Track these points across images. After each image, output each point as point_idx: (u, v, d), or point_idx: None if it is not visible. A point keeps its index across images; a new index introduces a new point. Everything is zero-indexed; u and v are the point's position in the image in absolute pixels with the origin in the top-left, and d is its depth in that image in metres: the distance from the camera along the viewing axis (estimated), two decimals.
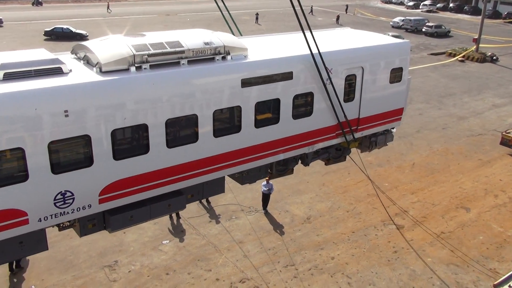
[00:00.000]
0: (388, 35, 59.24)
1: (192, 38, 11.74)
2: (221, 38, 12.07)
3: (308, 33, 12.55)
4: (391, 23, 74.20)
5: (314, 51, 12.62)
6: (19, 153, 9.35)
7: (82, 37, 54.15)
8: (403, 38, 57.50)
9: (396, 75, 15.47)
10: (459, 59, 53.52)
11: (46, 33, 54.44)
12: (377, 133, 16.19)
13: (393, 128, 16.75)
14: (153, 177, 11.31)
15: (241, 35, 15.43)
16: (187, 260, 18.43)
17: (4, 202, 9.46)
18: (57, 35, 54.08)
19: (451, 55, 55.27)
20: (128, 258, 18.34)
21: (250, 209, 22.11)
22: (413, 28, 69.95)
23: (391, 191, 24.24)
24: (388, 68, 15.17)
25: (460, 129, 33.09)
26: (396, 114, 16.15)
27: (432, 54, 56.32)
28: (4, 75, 9.52)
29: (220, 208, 21.97)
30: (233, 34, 14.55)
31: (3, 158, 9.28)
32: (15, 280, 16.79)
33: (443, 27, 68.97)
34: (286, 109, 13.05)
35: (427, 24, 69.87)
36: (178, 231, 20.20)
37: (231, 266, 18.21)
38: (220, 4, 14.74)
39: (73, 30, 54.93)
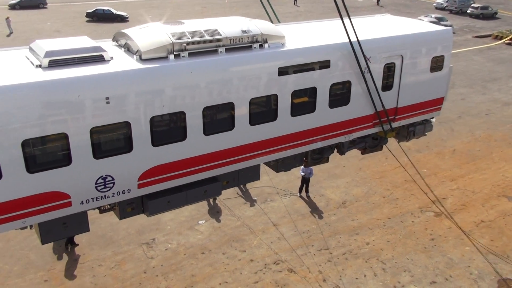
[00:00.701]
0: (431, 17, 57.49)
1: (230, 26, 11.76)
2: (258, 26, 12.02)
3: (346, 21, 12.34)
4: (434, 4, 71.82)
5: (353, 39, 12.41)
6: (63, 138, 9.67)
7: (123, 19, 54.96)
8: (447, 20, 55.88)
9: (437, 63, 15.03)
10: (506, 42, 51.43)
11: (88, 15, 55.49)
12: (416, 123, 15.83)
13: (432, 118, 16.34)
14: (190, 164, 11.50)
15: (279, 22, 15.30)
16: (222, 241, 18.73)
17: (49, 185, 9.86)
18: (99, 17, 55.04)
19: (497, 37, 53.15)
20: (165, 237, 18.79)
21: (285, 192, 22.18)
22: (458, 10, 67.50)
23: (429, 177, 23.78)
24: (429, 57, 14.75)
25: (504, 115, 31.95)
26: (435, 103, 15.73)
27: (477, 36, 54.32)
28: (49, 62, 9.79)
29: (256, 190, 22.12)
30: (271, 20, 14.45)
31: (48, 143, 9.62)
32: (64, 255, 17.52)
33: (489, 9, 66.26)
34: (322, 97, 12.92)
35: (472, 5, 67.27)
36: (214, 212, 20.51)
37: (266, 248, 18.39)
38: None
39: (114, 11, 55.74)
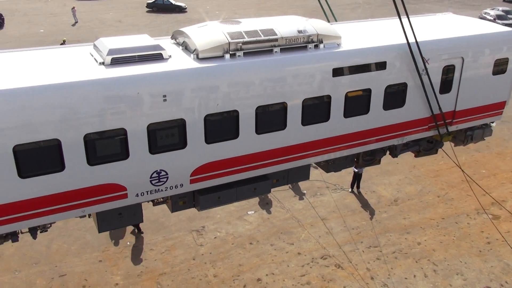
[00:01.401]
0: (498, 9, 54.62)
1: (286, 26, 11.75)
2: (314, 25, 11.92)
3: (405, 20, 11.98)
4: None
5: (411, 40, 12.03)
6: (122, 133, 10.08)
7: (181, 10, 55.98)
8: None
9: (500, 66, 14.30)
10: None
11: (148, 5, 56.93)
12: (474, 127, 15.17)
13: (492, 122, 15.60)
14: (241, 162, 11.71)
15: (336, 20, 15.07)
16: (271, 232, 18.82)
17: (108, 177, 10.35)
18: (158, 7, 56.33)
19: None
20: (215, 225, 19.11)
21: (335, 186, 21.96)
22: None
23: (488, 178, 22.79)
24: (492, 59, 14.05)
25: None
26: (496, 107, 14.98)
27: None
28: (111, 60, 10.21)
29: (306, 183, 22.03)
30: (328, 19, 14.26)
31: (108, 137, 10.06)
32: (117, 238, 18.23)
33: None
34: (377, 99, 12.66)
35: None
36: (263, 203, 20.62)
37: (313, 242, 18.32)
38: None
39: (173, 2, 56.85)
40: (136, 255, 17.33)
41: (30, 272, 16.26)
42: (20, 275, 16.10)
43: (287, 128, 11.88)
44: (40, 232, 11.27)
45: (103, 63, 10.23)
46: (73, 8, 50.27)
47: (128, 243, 17.91)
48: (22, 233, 11.01)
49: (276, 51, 11.44)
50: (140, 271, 16.61)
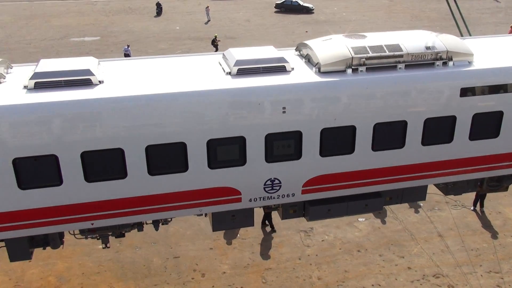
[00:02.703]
0: None
1: (413, 42, 11.39)
2: (444, 41, 11.35)
3: None
4: None
5: None
6: (241, 141, 10.61)
7: (308, 11, 56.26)
8: None
9: None
10: None
11: (277, 6, 58.08)
12: None
13: None
14: (355, 177, 11.65)
15: (470, 34, 14.06)
16: (381, 242, 18.20)
17: (225, 181, 10.97)
18: (286, 8, 57.21)
19: None
20: (323, 228, 18.98)
21: (456, 202, 20.54)
22: None
23: None
24: None
25: None
26: None
27: None
28: (238, 70, 10.78)
29: None
30: (460, 32, 13.38)
31: (227, 143, 10.62)
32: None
33: None
34: (509, 122, 11.67)
35: None
36: (376, 212, 20.00)
37: (426, 258, 17.35)
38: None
39: (301, 3, 57.33)
40: (245, 248, 17.86)
41: (149, 250, 17.58)
42: (140, 252, 17.48)
43: (406, 147, 11.54)
44: (162, 224, 12.34)
45: (229, 73, 10.83)
46: (207, 7, 53.09)
47: (238, 235, 18.52)
48: (146, 223, 12.05)
49: (400, 67, 11.14)
50: (247, 263, 17.10)
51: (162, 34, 47.00)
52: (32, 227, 10.54)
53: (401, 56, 11.13)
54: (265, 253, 17.61)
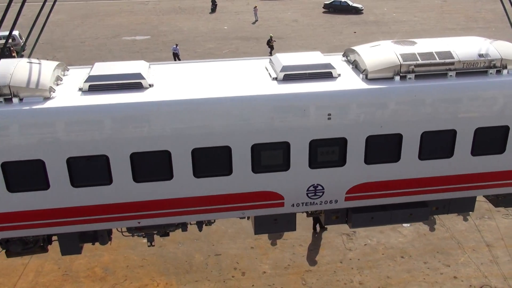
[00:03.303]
0: None
1: (465, 49, 11.06)
2: (499, 49, 10.97)
3: None
4: None
5: None
6: (285, 146, 10.63)
7: (357, 11, 55.49)
8: None
9: None
10: None
11: (325, 6, 57.60)
12: None
13: None
14: (400, 185, 11.44)
15: None
16: (426, 249, 17.72)
17: (268, 185, 11.04)
18: (335, 8, 56.66)
19: None
20: (366, 232, 18.67)
21: (508, 212, 19.71)
22: None
23: None
24: None
25: None
26: None
27: None
28: (284, 76, 10.81)
29: None
30: None
31: (271, 149, 10.66)
32: None
33: None
34: None
35: None
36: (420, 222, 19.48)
37: (473, 268, 16.75)
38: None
39: (350, 3, 56.63)
40: (286, 249, 17.83)
41: (191, 246, 17.86)
42: (182, 248, 17.78)
43: (454, 157, 11.23)
44: (205, 225, 12.59)
45: (276, 79, 10.89)
46: (255, 7, 53.33)
47: (282, 236, 18.51)
48: (190, 224, 12.34)
49: (451, 75, 10.85)
50: (287, 264, 17.07)
51: (210, 33, 47.61)
52: (83, 224, 10.99)
53: (452, 63, 10.83)
54: (306, 255, 17.51)
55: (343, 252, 17.64)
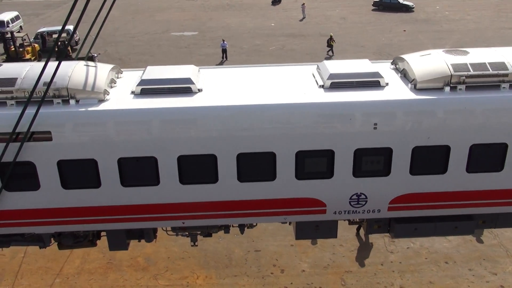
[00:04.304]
0: None
1: None
2: None
3: None
4: None
5: None
6: (330, 154, 10.62)
7: (408, 9, 54.17)
8: None
9: None
10: None
11: (374, 4, 56.58)
12: None
13: None
14: (446, 198, 11.19)
15: None
16: (471, 256, 17.15)
17: (311, 192, 11.07)
18: (384, 6, 55.54)
19: None
20: None
21: None
22: None
23: None
24: None
25: None
26: None
27: None
28: (331, 84, 10.79)
29: None
30: None
31: (314, 156, 10.65)
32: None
33: None
34: None
35: None
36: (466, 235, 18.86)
37: None
38: None
39: (400, 1, 55.35)
40: (326, 248, 17.69)
41: (231, 241, 18.02)
42: (222, 242, 17.97)
43: (505, 170, 10.86)
44: (247, 228, 12.77)
45: (323, 86, 10.87)
46: (303, 4, 53.03)
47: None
48: (233, 226, 12.60)
49: (504, 87, 10.48)
50: (327, 264, 16.94)
51: (257, 30, 47.75)
52: (130, 222, 11.43)
53: (506, 75, 10.47)
54: (346, 255, 17.32)
55: (385, 255, 17.32)
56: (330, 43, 39.08)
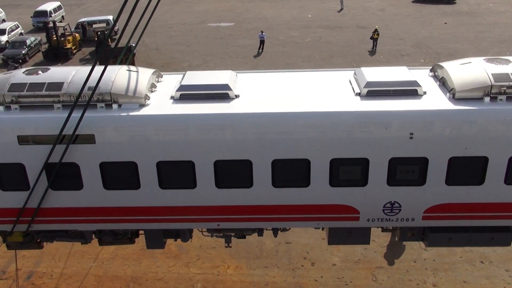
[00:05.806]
0: None
1: None
2: None
3: None
4: None
5: None
6: (364, 162, 10.60)
7: (450, 1, 52.62)
8: None
9: None
10: None
11: None
12: None
13: None
14: (482, 209, 10.99)
15: None
16: (508, 256, 16.68)
17: (345, 199, 11.09)
18: None
19: None
20: None
21: None
22: None
23: None
24: None
25: None
26: None
27: None
28: (367, 92, 10.73)
29: None
30: None
31: (351, 164, 10.67)
32: None
33: None
34: None
35: None
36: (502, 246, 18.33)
37: None
38: None
39: None
40: (356, 246, 17.49)
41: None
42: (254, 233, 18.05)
43: None
44: (281, 231, 12.91)
45: (359, 94, 10.82)
46: None
47: None
48: (266, 230, 12.80)
49: None
50: (358, 259, 16.81)
51: (293, 21, 47.40)
52: (168, 222, 11.80)
53: None
54: (378, 251, 17.13)
55: (418, 251, 17.04)
56: (373, 36, 37.59)
